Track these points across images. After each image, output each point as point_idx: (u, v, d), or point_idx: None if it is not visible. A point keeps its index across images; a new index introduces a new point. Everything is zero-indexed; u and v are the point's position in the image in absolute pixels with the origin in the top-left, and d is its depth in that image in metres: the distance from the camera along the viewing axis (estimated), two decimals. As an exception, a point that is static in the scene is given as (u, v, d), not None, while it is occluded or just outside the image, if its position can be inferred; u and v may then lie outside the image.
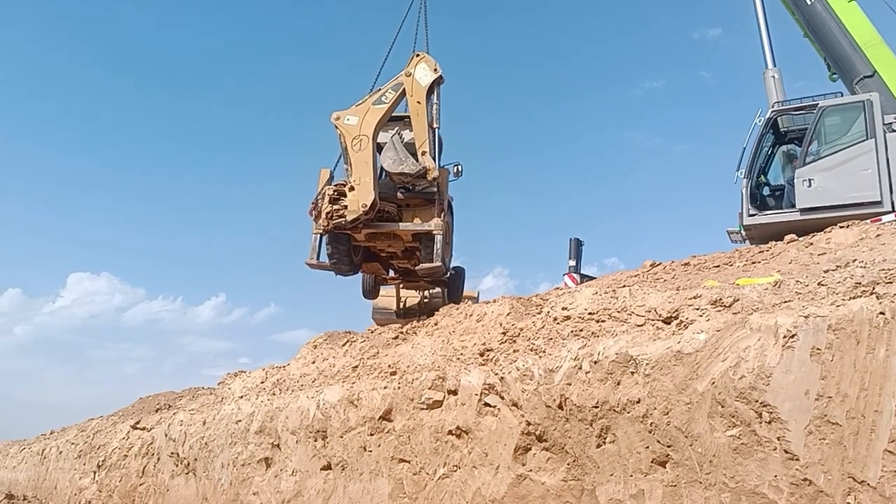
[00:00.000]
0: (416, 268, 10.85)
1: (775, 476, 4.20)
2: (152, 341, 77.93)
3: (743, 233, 11.69)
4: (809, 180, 10.83)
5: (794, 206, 10.92)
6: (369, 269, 11.98)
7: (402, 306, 13.87)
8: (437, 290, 13.18)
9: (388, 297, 13.99)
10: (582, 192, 74.47)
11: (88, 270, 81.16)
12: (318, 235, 10.44)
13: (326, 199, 10.14)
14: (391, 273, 12.33)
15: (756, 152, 11.82)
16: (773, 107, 12.17)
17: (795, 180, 10.99)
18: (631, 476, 5.06)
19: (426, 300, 13.58)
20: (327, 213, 10.08)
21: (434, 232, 10.30)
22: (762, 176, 12.59)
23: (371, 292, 13.05)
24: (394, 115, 10.67)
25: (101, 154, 78.15)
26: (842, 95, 11.52)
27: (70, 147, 76.67)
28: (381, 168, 10.54)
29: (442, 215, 10.39)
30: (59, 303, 74.49)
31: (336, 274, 11.01)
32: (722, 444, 4.49)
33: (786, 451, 4.15)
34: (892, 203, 10.14)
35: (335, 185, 10.28)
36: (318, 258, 10.51)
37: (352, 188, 10.02)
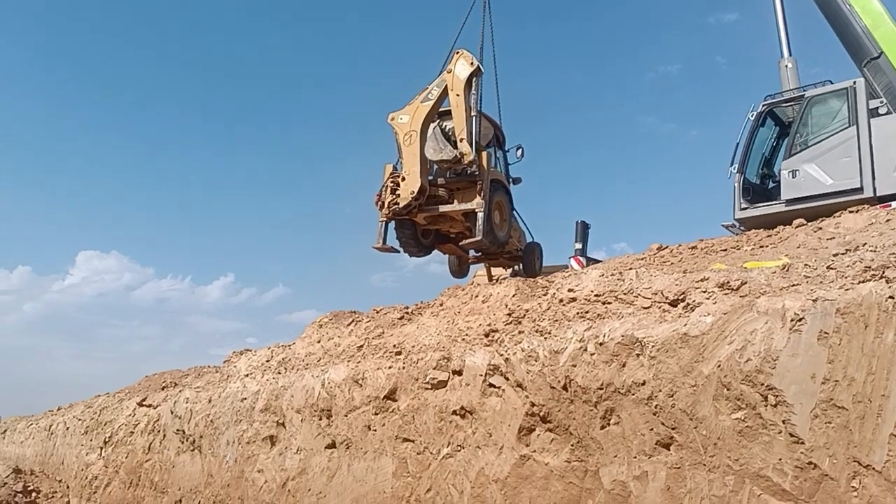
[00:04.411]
0: (460, 243, 11.91)
1: (780, 459, 4.20)
2: (160, 320, 78.34)
3: (738, 226, 11.65)
4: (794, 171, 10.78)
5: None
6: (446, 250, 13.25)
7: (494, 282, 14.35)
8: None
9: (482, 275, 15.29)
10: (593, 176, 74.11)
11: (98, 249, 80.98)
12: (383, 222, 11.66)
13: (388, 190, 11.47)
14: (472, 252, 13.29)
15: (748, 147, 11.75)
16: (764, 100, 12.06)
17: (782, 171, 10.96)
18: (635, 458, 5.06)
19: (514, 274, 14.18)
20: (388, 202, 11.40)
21: (476, 209, 11.22)
22: (766, 168, 12.52)
23: (458, 272, 14.11)
24: (443, 108, 11.66)
25: (113, 133, 78.06)
26: (830, 84, 11.37)
27: (82, 125, 76.57)
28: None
29: (482, 194, 11.27)
30: (69, 280, 74.74)
31: (409, 256, 12.39)
32: (727, 427, 4.48)
33: (791, 435, 4.15)
34: (875, 190, 10.00)
35: (393, 177, 11.53)
36: (383, 242, 11.73)
37: (403, 178, 11.32)
